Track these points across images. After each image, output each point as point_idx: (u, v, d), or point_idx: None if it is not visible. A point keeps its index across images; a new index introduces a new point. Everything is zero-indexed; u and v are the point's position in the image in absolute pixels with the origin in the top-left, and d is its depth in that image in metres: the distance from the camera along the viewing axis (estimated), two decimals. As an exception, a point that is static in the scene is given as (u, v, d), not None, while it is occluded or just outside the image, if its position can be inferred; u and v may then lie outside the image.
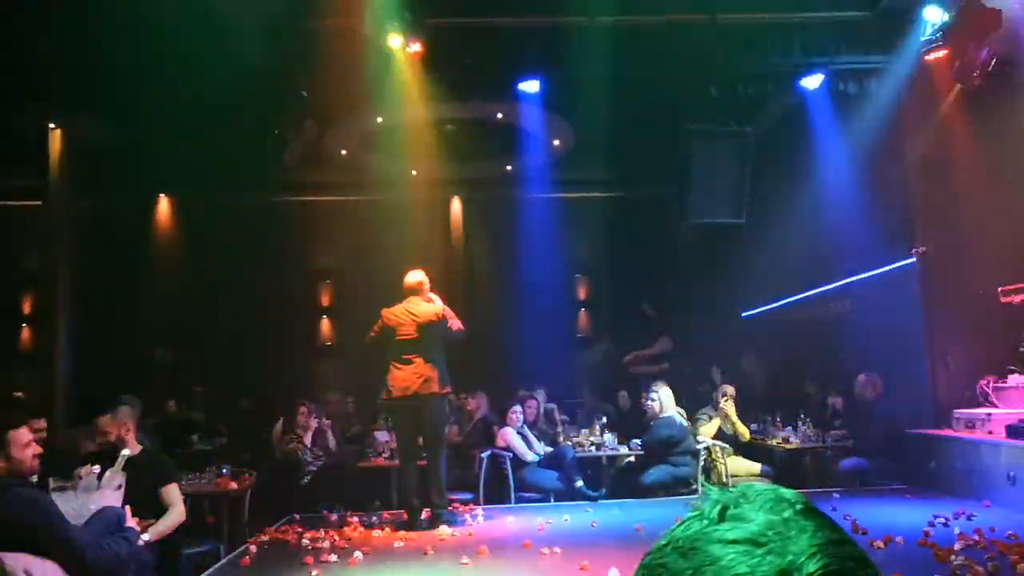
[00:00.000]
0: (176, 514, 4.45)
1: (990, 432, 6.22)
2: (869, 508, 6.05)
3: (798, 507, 0.67)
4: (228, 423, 9.49)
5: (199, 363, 10.45)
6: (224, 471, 6.05)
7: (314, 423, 7.69)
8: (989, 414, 6.34)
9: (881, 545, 4.79)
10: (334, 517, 6.71)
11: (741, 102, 8.19)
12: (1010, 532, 4.86)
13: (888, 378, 7.49)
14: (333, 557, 5.18)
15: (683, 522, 0.69)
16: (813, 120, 8.31)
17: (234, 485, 5.90)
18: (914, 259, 7.56)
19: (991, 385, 6.72)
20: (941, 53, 7.09)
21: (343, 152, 10.30)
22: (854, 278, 8.60)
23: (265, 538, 5.92)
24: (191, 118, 7.50)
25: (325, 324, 12.19)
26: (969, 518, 5.49)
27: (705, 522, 0.67)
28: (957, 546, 4.61)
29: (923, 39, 7.18)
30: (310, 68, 7.23)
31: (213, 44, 6.44)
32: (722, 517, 0.66)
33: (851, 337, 8.67)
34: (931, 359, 7.45)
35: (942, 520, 5.44)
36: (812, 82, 7.84)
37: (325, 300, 12.22)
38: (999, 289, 6.38)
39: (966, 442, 6.43)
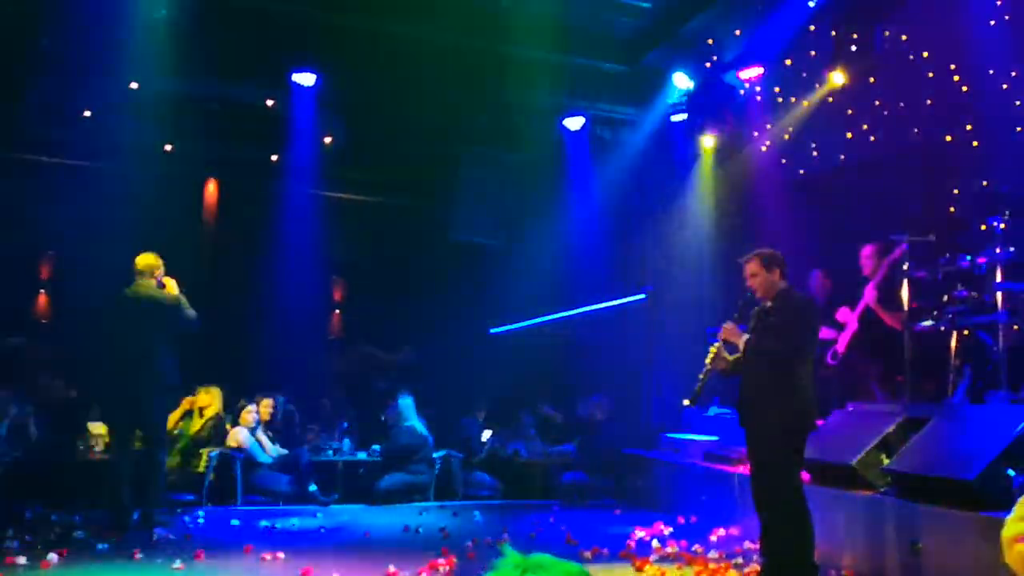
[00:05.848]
0: None
1: (691, 455, 7.01)
2: (583, 520, 6.56)
3: None
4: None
5: None
6: None
7: (13, 410, 6.88)
8: (691, 439, 7.14)
9: (589, 556, 5.20)
10: (28, 515, 6.03)
11: (511, 130, 8.59)
12: (696, 546, 5.50)
13: (614, 401, 8.20)
14: (22, 559, 4.66)
15: None
16: (572, 158, 8.92)
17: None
18: (644, 296, 8.35)
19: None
20: (683, 116, 7.96)
21: (87, 113, 9.34)
22: (592, 307, 9.31)
23: (-64, 537, 5.18)
24: None
25: (42, 298, 10.89)
26: (665, 532, 6.12)
27: None
28: (652, 557, 5.13)
29: (670, 102, 8.01)
30: (55, 15, 6.51)
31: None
32: None
33: (586, 361, 9.37)
34: (648, 387, 8.27)
35: (643, 533, 6.02)
36: (574, 123, 8.43)
37: (44, 272, 10.92)
38: (706, 329, 7.23)
39: (669, 463, 7.19)
